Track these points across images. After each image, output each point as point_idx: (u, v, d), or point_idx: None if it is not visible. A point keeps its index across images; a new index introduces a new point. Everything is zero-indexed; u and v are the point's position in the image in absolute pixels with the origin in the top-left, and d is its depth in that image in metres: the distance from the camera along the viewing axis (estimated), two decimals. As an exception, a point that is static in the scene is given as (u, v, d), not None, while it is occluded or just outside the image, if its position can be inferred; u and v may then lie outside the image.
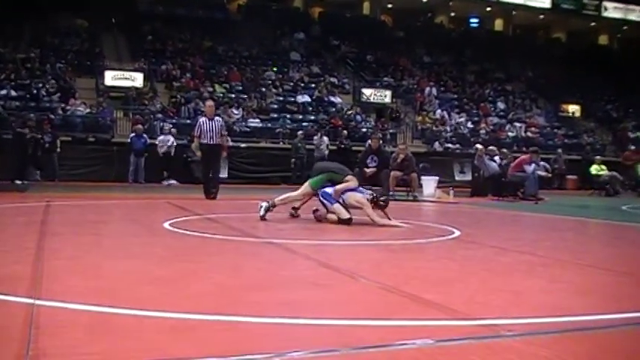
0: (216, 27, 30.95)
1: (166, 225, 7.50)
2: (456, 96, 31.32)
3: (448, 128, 27.48)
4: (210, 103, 13.69)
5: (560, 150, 25.59)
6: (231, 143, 21.58)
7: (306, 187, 8.67)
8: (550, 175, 20.70)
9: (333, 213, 8.28)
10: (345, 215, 8.16)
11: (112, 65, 25.54)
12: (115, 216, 9.62)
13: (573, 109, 33.29)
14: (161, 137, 19.96)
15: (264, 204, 8.45)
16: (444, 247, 6.56)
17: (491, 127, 28.58)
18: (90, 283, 4.00)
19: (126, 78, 24.45)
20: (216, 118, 12.86)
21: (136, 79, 24.48)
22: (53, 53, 25.86)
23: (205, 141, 12.47)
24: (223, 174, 20.58)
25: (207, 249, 5.93)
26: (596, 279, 4.75)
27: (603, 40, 45.63)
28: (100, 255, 5.32)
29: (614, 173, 21.14)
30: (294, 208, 8.94)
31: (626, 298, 4.03)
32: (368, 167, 14.97)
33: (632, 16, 44.34)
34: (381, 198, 8.51)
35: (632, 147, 25.38)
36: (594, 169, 21.32)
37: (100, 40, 28.41)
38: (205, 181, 12.88)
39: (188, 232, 6.91)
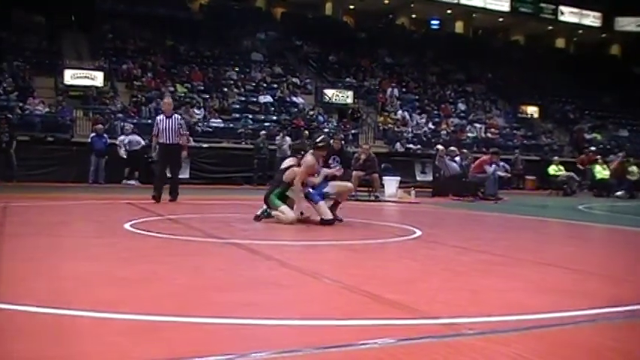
0: (178, 26, 30.75)
1: (127, 226, 7.42)
2: (417, 97, 31.58)
3: (410, 129, 27.70)
4: (167, 100, 12.94)
5: (518, 150, 25.96)
6: (193, 143, 21.45)
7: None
8: (509, 175, 21.00)
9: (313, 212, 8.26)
10: (328, 215, 8.16)
11: (72, 64, 25.19)
12: (75, 217, 9.48)
13: (532, 110, 33.83)
14: (122, 137, 19.69)
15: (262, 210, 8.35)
16: (405, 247, 6.60)
17: (452, 128, 28.89)
18: (49, 286, 3.94)
19: (86, 77, 24.15)
20: (175, 115, 12.15)
21: (96, 78, 24.21)
22: (10, 51, 25.39)
23: (162, 140, 11.81)
24: (185, 174, 20.49)
25: (169, 250, 5.88)
26: (554, 277, 4.83)
27: (560, 43, 46.50)
28: (60, 257, 5.24)
29: (572, 174, 21.52)
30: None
31: (583, 295, 4.10)
32: (330, 168, 14.95)
33: (587, 21, 45.52)
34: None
35: (592, 148, 25.82)
36: (552, 169, 21.65)
37: (59, 38, 27.98)
38: (158, 180, 12.02)
39: (150, 233, 6.85)
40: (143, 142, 19.34)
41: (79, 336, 2.85)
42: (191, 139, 21.41)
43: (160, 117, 12.10)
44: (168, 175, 12.29)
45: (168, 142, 11.82)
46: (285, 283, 4.25)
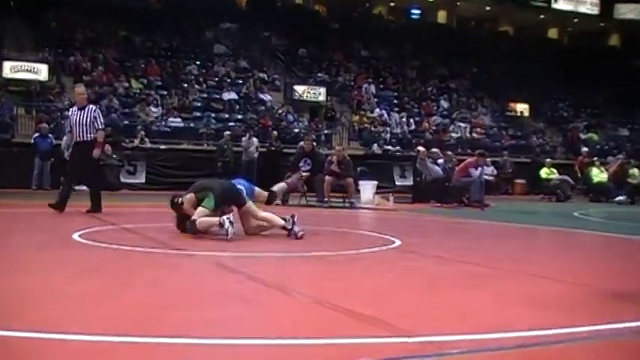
0: (132, 15, 30.49)
1: (76, 236, 7.37)
2: (395, 94, 31.72)
3: (388, 129, 27.80)
4: (78, 89, 11.80)
5: (506, 152, 26.18)
6: (149, 145, 21.37)
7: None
8: (497, 179, 21.17)
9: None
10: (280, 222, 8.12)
11: (12, 55, 24.79)
12: (16, 226, 9.38)
13: (521, 107, 34.10)
14: (65, 138, 19.47)
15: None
16: (382, 258, 6.64)
17: (434, 128, 29.06)
18: (-12, 303, 3.91)
19: (28, 70, 23.87)
20: (90, 107, 11.12)
21: (40, 72, 23.93)
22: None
23: (74, 137, 11.11)
24: (140, 179, 20.40)
25: (123, 263, 5.85)
26: (545, 290, 4.88)
27: (553, 33, 46.71)
28: None
29: (566, 177, 21.64)
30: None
31: (577, 310, 4.15)
32: (301, 170, 15.02)
33: (583, 9, 45.13)
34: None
35: (584, 149, 26.08)
36: (544, 172, 21.83)
37: (-2, 27, 27.61)
38: (64, 184, 11.35)
39: (101, 244, 6.81)
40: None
41: None
42: (147, 140, 21.42)
43: (72, 109, 11.33)
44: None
45: (79, 138, 10.97)
46: (252, 299, 4.26)
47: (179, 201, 8.01)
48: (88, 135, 10.94)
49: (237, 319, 3.70)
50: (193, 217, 7.67)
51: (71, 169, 11.37)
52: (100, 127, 11.09)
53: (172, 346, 3.08)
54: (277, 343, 3.18)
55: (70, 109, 11.44)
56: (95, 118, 11.01)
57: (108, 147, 19.61)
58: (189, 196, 7.96)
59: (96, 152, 10.94)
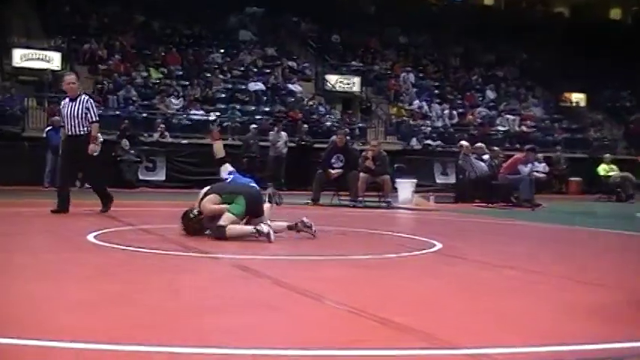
0: (150, -1, 30.72)
1: (91, 238, 7.44)
2: (437, 83, 31.56)
3: (428, 122, 27.69)
4: (68, 77, 11.58)
5: (560, 147, 25.90)
6: (169, 139, 21.51)
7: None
8: (549, 176, 20.97)
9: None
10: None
11: (22, 42, 25.06)
12: (27, 228, 9.48)
13: (577, 97, 33.64)
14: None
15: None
16: (421, 263, 6.62)
17: (479, 121, 28.87)
18: (-4, 309, 3.96)
19: (39, 59, 24.08)
20: (82, 97, 10.94)
21: (52, 60, 24.13)
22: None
23: (66, 130, 10.91)
24: (160, 176, 20.53)
25: (141, 266, 5.90)
26: (602, 300, 4.83)
27: (615, 14, 45.59)
28: (8, 276, 5.25)
29: (627, 174, 21.29)
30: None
31: (635, 322, 4.10)
32: (332, 168, 15.02)
33: (650, -15, 44.03)
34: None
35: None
36: (602, 169, 21.58)
37: (5, 11, 27.87)
38: (60, 183, 11.19)
39: (117, 247, 6.87)
40: (101, 138, 19.33)
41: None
42: (167, 134, 21.56)
43: (64, 101, 11.16)
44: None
45: (71, 132, 10.77)
46: (280, 305, 4.27)
47: (195, 214, 7.89)
48: (81, 128, 10.75)
49: (263, 327, 3.71)
50: (222, 223, 7.55)
51: (62, 166, 11.34)
52: (94, 119, 10.87)
53: (192, 356, 3.10)
54: (306, 354, 3.18)
55: (62, 101, 11.27)
56: (88, 109, 10.82)
57: (125, 142, 19.86)
58: (211, 196, 7.88)
59: (91, 147, 10.76)
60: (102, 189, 11.19)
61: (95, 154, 10.94)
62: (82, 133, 10.72)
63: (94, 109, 11.03)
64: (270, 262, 6.41)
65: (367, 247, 7.81)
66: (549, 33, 38.01)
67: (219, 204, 7.81)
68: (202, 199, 7.90)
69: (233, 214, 7.64)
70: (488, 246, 8.51)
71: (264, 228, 7.40)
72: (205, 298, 4.48)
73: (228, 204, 7.73)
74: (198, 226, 7.87)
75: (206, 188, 8.14)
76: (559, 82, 34.18)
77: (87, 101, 10.88)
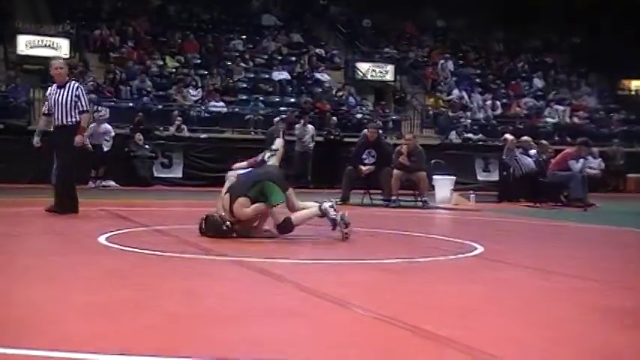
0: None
1: (102, 240, 7.51)
2: (478, 71, 31.40)
3: (468, 113, 27.57)
4: (56, 62, 11.38)
5: (617, 140, 25.67)
6: (187, 133, 21.59)
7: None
8: (604, 173, 20.80)
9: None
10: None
11: (27, 28, 25.15)
12: (33, 228, 9.57)
13: (636, 85, 33.25)
14: (93, 125, 19.77)
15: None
16: (461, 268, 6.60)
17: (526, 112, 28.69)
18: None
19: (46, 46, 24.22)
20: (71, 84, 10.82)
21: (60, 48, 24.24)
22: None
23: (53, 120, 10.89)
24: (177, 173, 20.63)
25: (155, 270, 5.94)
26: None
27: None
28: (13, 279, 5.31)
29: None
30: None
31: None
32: (363, 164, 15.00)
33: None
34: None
35: None
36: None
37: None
38: (57, 184, 11.22)
39: (130, 249, 6.92)
40: (112, 133, 19.49)
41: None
42: (184, 127, 21.64)
43: (51, 88, 11.05)
44: None
45: (58, 122, 10.73)
46: (303, 313, 4.29)
47: (228, 225, 7.93)
48: (70, 118, 10.68)
49: (286, 336, 3.73)
50: (280, 220, 7.93)
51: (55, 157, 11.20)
52: (84, 108, 10.81)
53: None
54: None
55: (49, 88, 11.19)
56: (78, 97, 10.72)
57: (139, 136, 19.97)
58: (241, 200, 7.86)
59: (78, 139, 10.67)
60: (69, 188, 10.98)
61: (86, 145, 10.86)
62: (70, 123, 10.64)
63: (85, 97, 10.96)
64: (294, 265, 6.42)
65: (400, 250, 7.80)
66: (605, 14, 37.56)
67: (251, 205, 7.89)
68: (231, 204, 7.92)
69: (279, 203, 7.95)
70: (534, 250, 8.46)
71: (329, 211, 7.88)
72: (224, 305, 4.50)
73: (260, 199, 7.87)
74: (230, 235, 7.97)
75: (224, 191, 8.18)
76: (616, 68, 33.64)
77: (77, 88, 10.81)
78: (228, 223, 7.91)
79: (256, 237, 7.98)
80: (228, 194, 8.04)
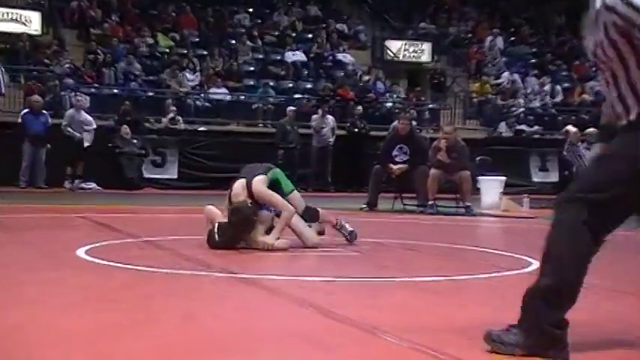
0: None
1: (81, 253, 7.53)
2: (534, 50, 31.37)
3: (522, 101, 27.52)
4: None
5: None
6: (183, 126, 21.63)
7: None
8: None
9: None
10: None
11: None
12: (0, 239, 9.62)
13: None
14: (71, 111, 19.72)
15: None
16: (512, 286, 6.56)
17: (591, 99, 28.55)
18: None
19: (14, 19, 24.34)
20: None
21: (30, 22, 24.40)
22: None
23: None
24: (171, 174, 20.65)
25: (145, 289, 5.95)
26: None
27: None
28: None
29: None
30: None
31: None
32: (394, 163, 14.99)
33: None
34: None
35: None
36: None
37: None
38: None
39: (115, 264, 6.94)
40: (94, 125, 19.44)
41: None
42: (180, 119, 21.68)
43: None
44: None
45: None
46: (324, 341, 4.28)
47: (249, 205, 8.15)
48: None
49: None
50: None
51: None
52: (3, 91, 10.67)
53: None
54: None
55: None
56: None
57: (126, 129, 20.00)
58: (261, 177, 8.32)
59: None
60: None
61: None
62: None
63: (4, 79, 10.78)
64: (311, 284, 6.42)
65: (440, 266, 7.80)
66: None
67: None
68: (249, 187, 8.19)
69: (292, 191, 8.65)
70: (601, 265, 8.40)
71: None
72: (231, 332, 4.52)
73: (274, 182, 8.44)
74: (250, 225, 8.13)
75: (239, 182, 8.34)
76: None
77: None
78: (248, 203, 8.15)
79: (266, 250, 7.98)
80: (243, 179, 8.31)
